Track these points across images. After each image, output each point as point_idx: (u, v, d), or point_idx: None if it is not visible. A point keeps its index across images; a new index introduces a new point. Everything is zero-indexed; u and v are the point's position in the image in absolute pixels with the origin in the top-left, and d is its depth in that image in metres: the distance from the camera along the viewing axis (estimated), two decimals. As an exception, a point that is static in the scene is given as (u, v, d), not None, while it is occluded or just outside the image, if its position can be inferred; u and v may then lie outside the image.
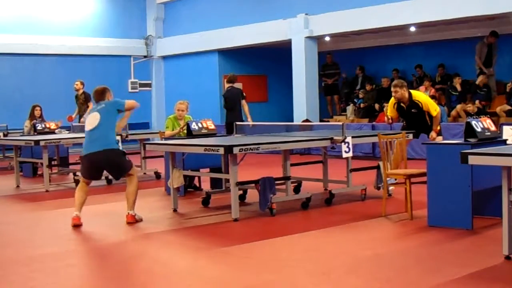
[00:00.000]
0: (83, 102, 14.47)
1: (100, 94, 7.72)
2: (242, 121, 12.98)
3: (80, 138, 11.54)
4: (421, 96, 9.08)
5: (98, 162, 7.50)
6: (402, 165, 7.61)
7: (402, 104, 8.83)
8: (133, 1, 19.91)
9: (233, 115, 13.11)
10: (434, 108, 8.87)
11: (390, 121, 9.14)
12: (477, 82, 14.55)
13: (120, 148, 7.77)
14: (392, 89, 8.81)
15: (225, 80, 14.05)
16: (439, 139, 8.80)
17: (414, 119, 8.88)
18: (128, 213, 7.55)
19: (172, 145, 8.22)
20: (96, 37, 18.97)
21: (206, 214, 8.01)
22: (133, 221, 7.49)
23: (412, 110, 8.80)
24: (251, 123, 12.48)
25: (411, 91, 9.01)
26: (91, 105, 14.41)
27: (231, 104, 13.32)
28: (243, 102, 13.30)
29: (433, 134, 8.79)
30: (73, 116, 14.24)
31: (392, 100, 8.96)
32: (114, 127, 7.56)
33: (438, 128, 8.98)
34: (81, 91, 14.47)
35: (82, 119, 14.28)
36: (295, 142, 8.37)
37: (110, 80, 19.16)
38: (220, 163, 9.17)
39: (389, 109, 9.16)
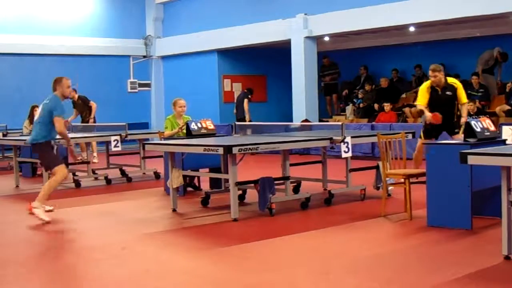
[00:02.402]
0: (83, 105, 14.48)
1: (54, 83, 8.12)
2: (243, 119, 15.98)
3: (79, 138, 11.61)
4: (456, 80, 8.98)
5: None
6: (402, 165, 7.61)
7: (436, 88, 8.65)
8: (132, 1, 19.91)
9: (237, 113, 16.61)
10: (464, 95, 8.81)
11: (433, 118, 8.51)
12: (476, 85, 14.60)
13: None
14: (431, 73, 8.60)
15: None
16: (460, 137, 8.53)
17: (445, 106, 8.64)
18: (30, 203, 7.82)
19: (171, 145, 8.22)
20: (95, 37, 18.98)
21: (206, 214, 8.01)
22: (30, 211, 7.75)
23: (447, 93, 8.64)
24: (247, 119, 15.93)
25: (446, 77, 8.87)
26: (94, 103, 14.48)
27: (237, 104, 16.85)
28: (245, 101, 16.46)
29: (462, 119, 8.51)
30: (69, 120, 14.25)
31: (426, 84, 8.75)
32: (47, 122, 7.96)
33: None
34: (76, 97, 14.47)
35: (91, 120, 14.32)
36: (294, 142, 8.37)
37: (110, 80, 19.26)
38: (220, 163, 9.17)
39: (421, 95, 8.81)
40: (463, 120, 8.56)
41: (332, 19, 15.09)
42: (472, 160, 5.43)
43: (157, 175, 11.63)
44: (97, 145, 14.66)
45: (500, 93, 14.95)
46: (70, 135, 11.80)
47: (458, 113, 8.84)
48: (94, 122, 14.39)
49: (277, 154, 9.61)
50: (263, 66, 18.83)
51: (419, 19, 13.77)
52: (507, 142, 6.96)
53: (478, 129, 6.57)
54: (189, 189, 9.91)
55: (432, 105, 8.79)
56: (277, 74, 18.56)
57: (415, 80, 16.92)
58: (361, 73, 18.18)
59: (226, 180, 8.57)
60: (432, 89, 8.72)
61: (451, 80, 8.84)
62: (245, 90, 17.02)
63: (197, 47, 18.51)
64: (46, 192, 7.85)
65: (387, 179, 7.70)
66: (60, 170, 7.94)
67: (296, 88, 15.84)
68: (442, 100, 8.72)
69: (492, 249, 5.63)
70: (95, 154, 14.48)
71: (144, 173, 11.94)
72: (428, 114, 8.66)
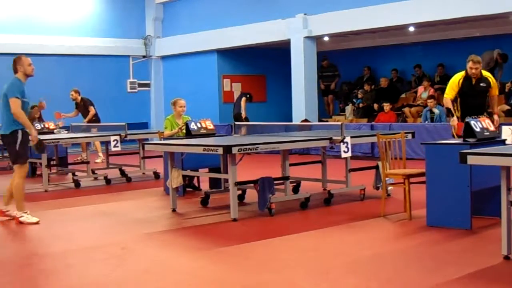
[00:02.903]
0: (84, 107, 14.54)
1: (13, 65, 7.90)
2: (239, 114, 16.41)
3: (78, 138, 11.62)
4: (490, 74, 8.66)
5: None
6: (401, 165, 7.61)
7: (473, 78, 8.26)
8: (132, 1, 19.89)
9: (234, 110, 16.91)
10: (497, 88, 8.56)
11: (458, 129, 7.93)
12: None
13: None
14: (472, 65, 8.16)
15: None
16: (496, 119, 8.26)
17: (478, 98, 8.30)
18: (15, 215, 7.67)
19: (171, 145, 8.22)
20: (95, 37, 18.96)
21: (205, 214, 8.01)
22: (17, 222, 7.60)
23: (481, 84, 8.30)
24: (243, 115, 16.34)
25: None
26: (92, 109, 14.51)
27: (235, 103, 17.11)
28: (243, 99, 16.74)
29: (495, 116, 8.30)
30: (62, 115, 14.23)
31: (459, 76, 8.33)
32: (7, 109, 7.49)
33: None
34: (79, 99, 14.53)
35: (86, 121, 14.37)
36: (294, 142, 8.36)
37: (109, 80, 19.25)
38: (219, 163, 9.17)
39: (451, 87, 8.34)
40: (495, 117, 8.25)
41: (331, 19, 15.09)
42: (471, 160, 5.43)
43: (156, 175, 11.63)
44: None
45: (499, 93, 14.95)
46: (69, 135, 11.88)
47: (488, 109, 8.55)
48: (98, 121, 14.44)
49: (276, 154, 9.61)
50: (262, 66, 18.83)
51: (419, 19, 13.77)
52: (506, 142, 6.95)
53: (478, 129, 6.57)
54: (189, 189, 9.91)
55: (464, 96, 8.33)
56: (277, 74, 18.57)
57: (415, 80, 16.92)
58: (365, 73, 18.16)
59: (226, 180, 8.57)
60: (465, 80, 8.28)
61: (485, 73, 8.50)
62: (243, 92, 17.34)
63: (196, 47, 18.51)
64: (18, 198, 7.66)
65: (386, 179, 7.71)
66: (17, 171, 7.68)
67: (295, 88, 15.84)
68: (475, 92, 8.32)
69: (491, 249, 5.63)
70: (100, 154, 14.54)
71: (143, 173, 11.95)
72: (455, 120, 8.22)
